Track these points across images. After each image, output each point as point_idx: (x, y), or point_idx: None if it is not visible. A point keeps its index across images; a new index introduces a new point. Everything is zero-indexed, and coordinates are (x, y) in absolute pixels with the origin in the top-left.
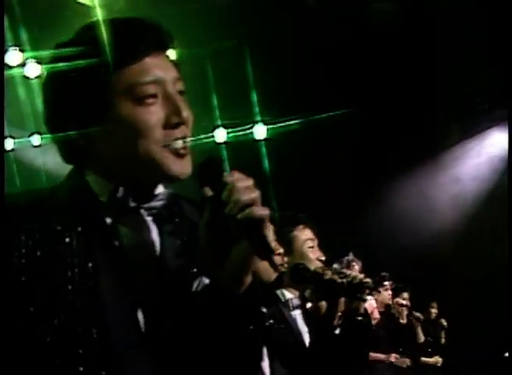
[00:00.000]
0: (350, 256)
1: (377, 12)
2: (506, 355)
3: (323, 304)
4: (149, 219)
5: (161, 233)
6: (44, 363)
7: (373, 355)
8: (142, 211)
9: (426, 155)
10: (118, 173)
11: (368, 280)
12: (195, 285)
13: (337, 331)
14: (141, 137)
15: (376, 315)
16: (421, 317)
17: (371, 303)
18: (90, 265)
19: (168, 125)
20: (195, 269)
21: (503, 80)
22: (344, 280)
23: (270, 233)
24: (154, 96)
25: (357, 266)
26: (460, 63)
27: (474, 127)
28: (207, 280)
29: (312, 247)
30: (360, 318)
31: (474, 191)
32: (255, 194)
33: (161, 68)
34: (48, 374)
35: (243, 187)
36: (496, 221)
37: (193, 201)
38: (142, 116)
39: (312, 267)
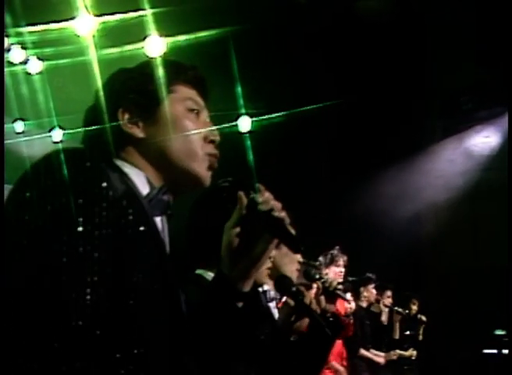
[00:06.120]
0: (335, 250)
1: (365, 8)
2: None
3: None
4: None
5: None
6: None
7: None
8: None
9: (410, 150)
10: (158, 170)
11: (340, 287)
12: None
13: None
14: (186, 136)
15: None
16: (404, 312)
17: (344, 305)
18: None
19: (206, 140)
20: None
21: (489, 79)
22: (320, 285)
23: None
24: (197, 114)
25: (341, 261)
26: (447, 61)
27: (457, 125)
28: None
29: None
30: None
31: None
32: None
33: (201, 100)
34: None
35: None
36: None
37: None
38: (191, 121)
39: (294, 267)
